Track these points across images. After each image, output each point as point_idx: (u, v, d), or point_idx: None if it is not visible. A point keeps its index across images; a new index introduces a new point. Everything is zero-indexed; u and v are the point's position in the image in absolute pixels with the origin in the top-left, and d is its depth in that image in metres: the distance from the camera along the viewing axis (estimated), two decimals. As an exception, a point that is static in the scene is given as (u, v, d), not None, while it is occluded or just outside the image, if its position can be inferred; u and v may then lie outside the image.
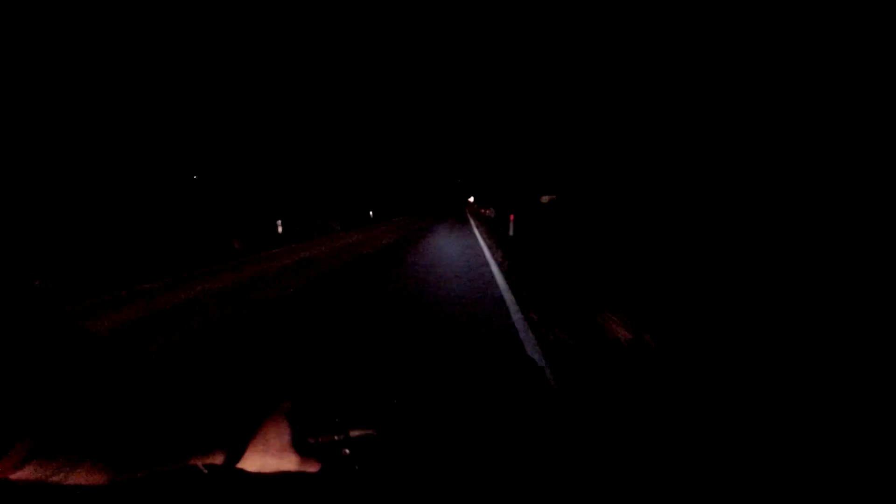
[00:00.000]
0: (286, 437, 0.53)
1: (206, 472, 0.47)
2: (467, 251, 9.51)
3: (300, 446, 0.53)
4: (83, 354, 0.39)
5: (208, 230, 12.65)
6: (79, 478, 0.36)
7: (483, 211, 28.32)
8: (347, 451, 0.55)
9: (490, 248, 10.13)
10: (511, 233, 11.40)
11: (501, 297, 4.89)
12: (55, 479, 0.35)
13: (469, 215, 35.37)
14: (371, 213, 30.34)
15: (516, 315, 4.14)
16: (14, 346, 0.33)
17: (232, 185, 18.86)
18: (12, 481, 0.33)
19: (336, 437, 0.56)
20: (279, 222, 15.00)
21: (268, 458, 0.51)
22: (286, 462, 0.52)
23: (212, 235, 11.95)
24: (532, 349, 3.17)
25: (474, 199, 69.44)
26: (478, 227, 18.37)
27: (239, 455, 0.50)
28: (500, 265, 7.41)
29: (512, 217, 11.38)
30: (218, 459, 0.48)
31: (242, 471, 0.51)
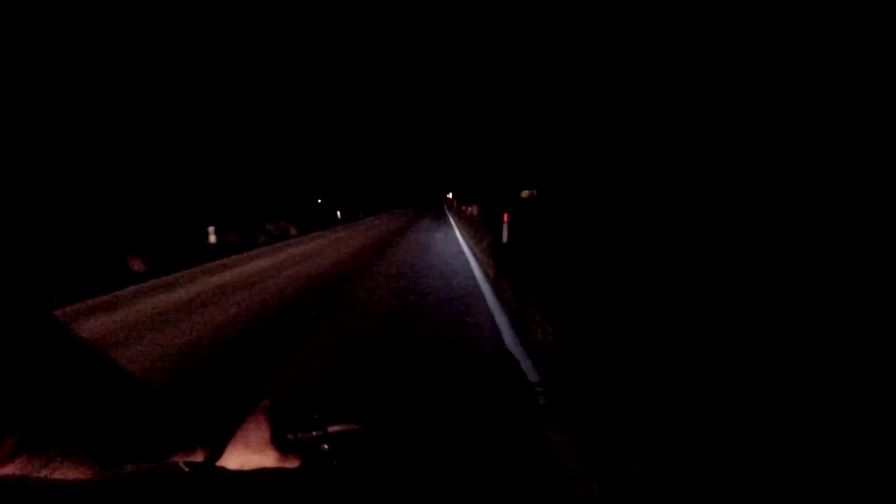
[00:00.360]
0: (266, 434, 0.53)
1: (187, 469, 0.49)
2: (450, 266, 7.02)
3: (280, 443, 0.54)
4: (68, 354, 0.40)
5: (86, 245, 9.75)
6: (65, 472, 0.38)
7: (465, 208, 25.84)
8: (326, 446, 0.56)
9: (479, 260, 7.69)
10: (505, 239, 8.93)
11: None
12: (41, 473, 0.36)
13: (448, 213, 32.85)
14: (339, 213, 27.46)
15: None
16: (2, 343, 0.35)
17: (136, 181, 15.33)
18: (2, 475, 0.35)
19: (315, 434, 0.56)
20: (212, 229, 12.16)
21: (248, 454, 0.52)
22: (266, 458, 0.53)
23: (92, 253, 9.08)
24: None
25: (453, 194, 66.89)
26: (460, 228, 15.87)
27: (220, 452, 0.51)
28: (498, 296, 4.93)
29: (507, 218, 8.91)
30: (199, 457, 0.49)
31: (223, 468, 0.52)
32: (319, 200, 36.95)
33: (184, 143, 17.39)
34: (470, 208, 23.19)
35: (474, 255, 8.70)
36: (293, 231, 15.79)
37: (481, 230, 12.77)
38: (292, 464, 0.55)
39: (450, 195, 69.57)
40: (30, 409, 0.35)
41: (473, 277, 6.25)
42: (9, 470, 0.34)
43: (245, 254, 11.06)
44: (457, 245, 10.48)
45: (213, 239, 12.02)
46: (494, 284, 5.75)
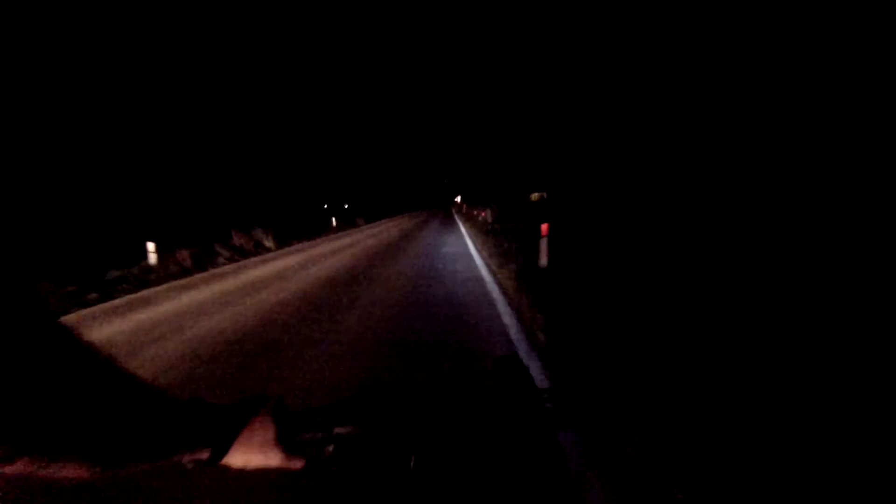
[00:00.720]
0: (271, 435, 0.54)
1: (190, 467, 0.50)
2: (466, 307, 4.36)
3: (285, 443, 0.55)
4: (75, 358, 0.41)
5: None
6: (68, 472, 0.39)
7: (477, 213, 23.24)
8: (331, 448, 0.57)
9: (504, 289, 5.05)
10: (544, 262, 6.23)
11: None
12: (45, 472, 0.37)
13: (458, 218, 30.26)
14: (334, 219, 24.94)
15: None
16: (11, 346, 0.36)
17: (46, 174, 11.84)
18: (4, 475, 0.35)
19: (320, 435, 0.57)
20: (152, 246, 9.63)
21: (252, 454, 0.53)
22: (271, 458, 0.54)
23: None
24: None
25: (461, 198, 64.26)
26: (472, 238, 13.22)
27: (224, 451, 0.52)
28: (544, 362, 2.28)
29: (546, 230, 6.20)
30: (204, 455, 0.50)
31: (227, 466, 0.53)
32: (325, 206, 34.48)
33: (127, 130, 14.31)
34: (483, 213, 20.54)
35: (498, 283, 6.04)
36: (268, 243, 13.23)
37: (502, 244, 10.11)
38: (296, 464, 0.55)
39: (458, 198, 67.06)
40: (34, 411, 0.35)
41: (504, 328, 3.57)
42: (13, 469, 0.35)
43: (188, 279, 8.54)
44: (471, 264, 7.82)
45: (153, 259, 9.48)
46: (532, 335, 3.08)
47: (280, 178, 26.10)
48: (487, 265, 7.78)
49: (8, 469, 0.35)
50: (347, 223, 27.24)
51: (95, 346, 0.43)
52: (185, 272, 9.30)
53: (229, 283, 7.45)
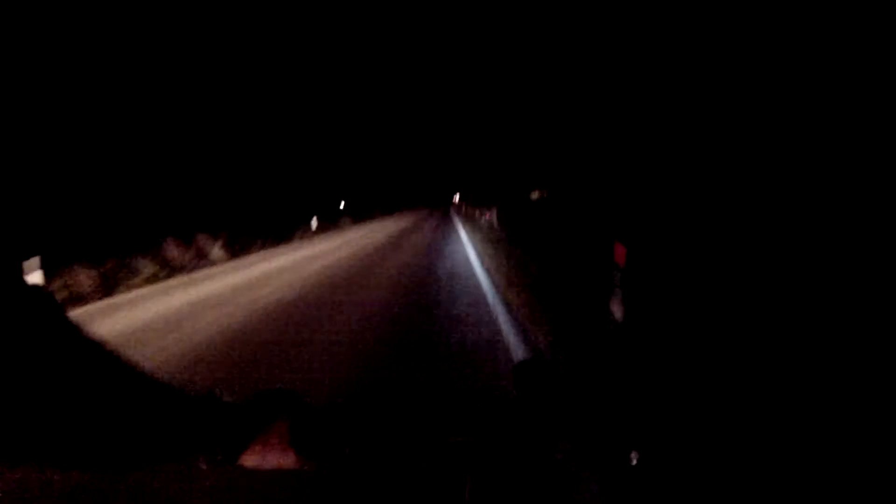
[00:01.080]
0: (286, 435, 0.54)
1: (205, 467, 0.50)
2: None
3: (300, 444, 0.55)
4: (85, 356, 0.40)
5: None
6: (75, 475, 0.38)
7: (480, 214, 20.84)
8: (348, 450, 0.57)
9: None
10: (619, 316, 3.64)
11: None
12: (48, 477, 0.40)
13: (457, 220, 27.76)
14: (315, 219, 22.33)
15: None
16: (17, 344, 0.35)
17: None
18: (10, 478, 0.40)
19: (337, 436, 0.57)
20: (33, 262, 7.05)
21: (267, 454, 0.53)
22: (285, 459, 0.54)
23: None
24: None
25: (460, 196, 61.73)
26: (476, 246, 10.69)
27: (239, 451, 0.51)
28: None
29: (622, 257, 3.62)
30: (217, 456, 0.51)
31: (241, 466, 0.53)
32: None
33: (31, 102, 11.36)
34: (487, 214, 18.07)
35: (522, 339, 3.52)
36: (215, 254, 10.62)
37: (518, 261, 7.59)
38: (311, 466, 0.55)
39: (456, 197, 64.55)
40: (41, 411, 0.34)
41: None
42: (17, 474, 0.39)
43: (73, 312, 5.94)
44: (481, 303, 5.31)
45: (35, 279, 6.93)
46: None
47: (259, 175, 23.38)
48: (507, 307, 5.24)
49: (11, 474, 0.35)
50: (331, 223, 24.66)
51: (103, 342, 0.41)
52: (75, 299, 6.74)
53: (150, 312, 4.92)
